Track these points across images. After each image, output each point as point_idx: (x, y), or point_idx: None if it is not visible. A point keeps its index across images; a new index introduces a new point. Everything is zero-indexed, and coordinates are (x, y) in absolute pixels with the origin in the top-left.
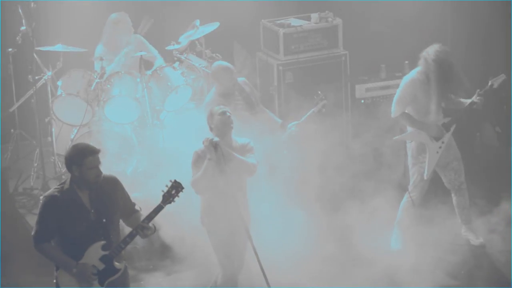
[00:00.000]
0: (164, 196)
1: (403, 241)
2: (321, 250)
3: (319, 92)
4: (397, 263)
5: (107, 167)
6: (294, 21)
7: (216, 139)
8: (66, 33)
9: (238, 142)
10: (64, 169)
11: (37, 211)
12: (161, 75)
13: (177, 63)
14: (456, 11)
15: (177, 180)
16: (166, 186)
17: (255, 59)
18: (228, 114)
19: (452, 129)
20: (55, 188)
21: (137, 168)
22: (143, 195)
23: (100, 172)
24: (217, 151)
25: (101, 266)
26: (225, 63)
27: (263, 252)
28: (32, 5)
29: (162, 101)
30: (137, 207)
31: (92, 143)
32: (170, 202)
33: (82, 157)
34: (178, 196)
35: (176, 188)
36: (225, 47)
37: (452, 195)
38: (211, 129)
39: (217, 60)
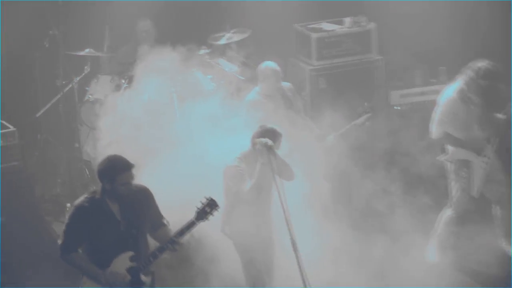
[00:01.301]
0: (198, 213)
1: (440, 253)
2: (357, 259)
3: (366, 104)
4: (433, 275)
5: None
6: (326, 26)
7: (270, 141)
8: (95, 37)
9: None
10: (91, 175)
11: (63, 218)
12: (191, 80)
13: (207, 68)
14: (491, 14)
15: (213, 198)
16: (201, 202)
17: (287, 65)
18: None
19: (495, 143)
20: (85, 197)
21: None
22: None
23: (132, 187)
24: (270, 155)
25: (127, 278)
26: (273, 64)
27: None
28: (61, 7)
29: (191, 106)
30: (165, 221)
31: (120, 150)
32: (203, 220)
33: (115, 173)
34: (212, 215)
35: (211, 206)
36: (257, 52)
37: (493, 206)
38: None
39: (250, 65)
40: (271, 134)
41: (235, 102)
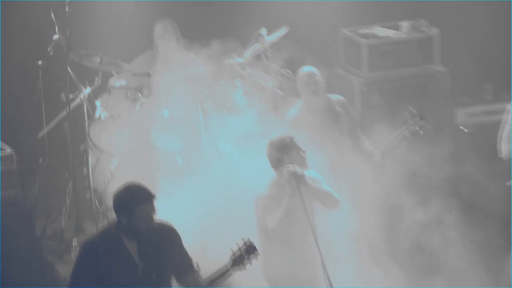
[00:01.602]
0: (234, 260)
1: None
2: None
3: (410, 108)
4: None
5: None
6: (380, 31)
7: (299, 170)
8: (106, 43)
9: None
10: (102, 207)
11: (68, 257)
12: (219, 94)
13: (239, 80)
14: None
15: (252, 241)
16: (237, 245)
17: (332, 76)
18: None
19: None
20: (96, 234)
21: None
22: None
23: (154, 222)
24: (300, 186)
25: None
26: (311, 69)
27: None
28: (67, 8)
29: (220, 126)
30: (194, 265)
31: (136, 176)
32: (240, 268)
33: (133, 204)
34: (251, 263)
35: (249, 251)
36: (297, 61)
37: None
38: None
39: (290, 76)
40: (284, 149)
41: (273, 119)
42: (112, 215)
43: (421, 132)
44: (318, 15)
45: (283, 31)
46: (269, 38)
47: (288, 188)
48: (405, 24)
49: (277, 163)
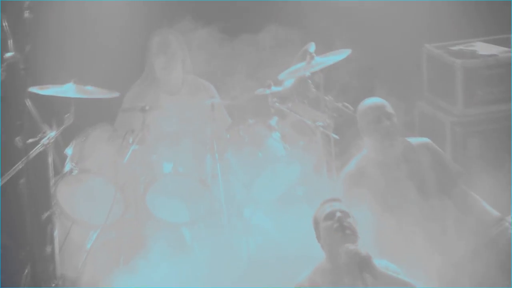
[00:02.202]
0: None
1: None
2: None
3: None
4: None
5: None
6: (482, 47)
7: (364, 252)
8: (82, 64)
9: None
10: None
11: None
12: (246, 139)
13: (275, 118)
14: None
15: None
16: None
17: (413, 112)
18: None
19: None
20: None
21: None
22: None
23: None
24: (364, 274)
25: None
26: (381, 101)
27: None
28: (26, 14)
29: (247, 185)
30: None
31: (124, 257)
32: None
33: None
34: None
35: None
36: (361, 91)
37: None
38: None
39: (350, 110)
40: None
41: (323, 176)
42: None
43: None
44: (390, 26)
45: (345, 53)
46: (321, 58)
47: (345, 277)
48: None
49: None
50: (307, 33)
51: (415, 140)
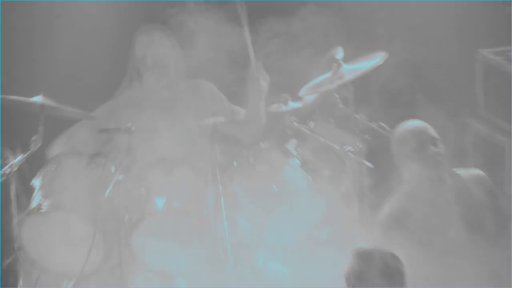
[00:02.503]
0: None
1: None
2: None
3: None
4: None
5: None
6: None
7: None
8: (52, 76)
9: None
10: None
11: None
12: (257, 167)
13: (294, 141)
14: None
15: None
16: None
17: (465, 132)
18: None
19: None
20: None
21: None
22: None
23: None
24: None
25: None
26: (424, 124)
27: None
28: None
29: (259, 226)
30: None
31: None
32: None
33: None
34: None
35: None
36: (401, 107)
37: None
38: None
39: (386, 131)
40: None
41: (353, 216)
42: None
43: None
44: (438, 27)
45: (378, 57)
46: (350, 66)
47: None
48: None
49: None
50: (333, 35)
51: (465, 172)
